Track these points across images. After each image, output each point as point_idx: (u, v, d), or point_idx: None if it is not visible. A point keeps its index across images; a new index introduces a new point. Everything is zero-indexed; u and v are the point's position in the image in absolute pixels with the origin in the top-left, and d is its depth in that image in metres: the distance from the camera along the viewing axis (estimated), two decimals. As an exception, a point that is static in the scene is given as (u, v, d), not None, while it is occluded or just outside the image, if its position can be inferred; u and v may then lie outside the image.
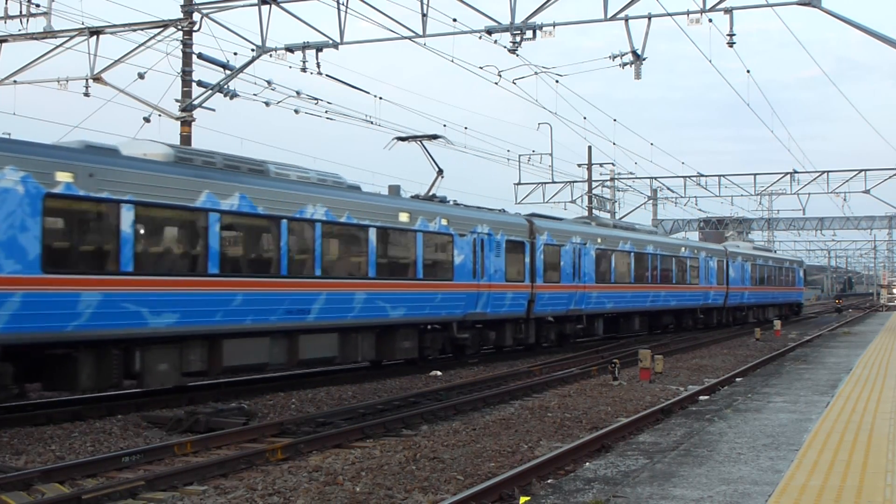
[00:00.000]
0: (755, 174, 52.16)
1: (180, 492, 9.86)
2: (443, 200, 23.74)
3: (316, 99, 25.71)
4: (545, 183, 47.91)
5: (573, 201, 49.12)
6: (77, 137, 15.41)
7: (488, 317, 24.11)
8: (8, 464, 11.06)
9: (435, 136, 24.60)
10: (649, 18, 22.00)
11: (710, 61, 25.51)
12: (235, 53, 23.99)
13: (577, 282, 28.77)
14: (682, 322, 39.97)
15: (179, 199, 15.36)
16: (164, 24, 23.26)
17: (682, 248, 38.97)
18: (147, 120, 23.71)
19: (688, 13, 21.29)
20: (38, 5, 23.21)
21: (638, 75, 23.16)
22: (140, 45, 23.37)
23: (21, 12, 23.38)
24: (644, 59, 22.90)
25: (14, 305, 12.83)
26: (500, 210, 26.90)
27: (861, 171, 48.30)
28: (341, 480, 10.21)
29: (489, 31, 22.36)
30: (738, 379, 20.63)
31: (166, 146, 16.26)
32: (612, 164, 53.05)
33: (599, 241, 30.68)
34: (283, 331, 17.47)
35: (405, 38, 22.79)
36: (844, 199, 53.20)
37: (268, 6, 22.51)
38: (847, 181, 49.09)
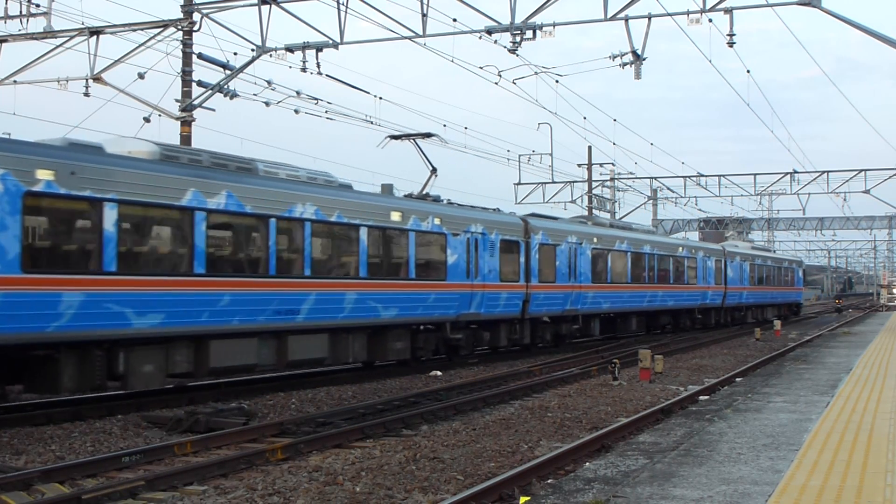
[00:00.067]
0: (755, 174, 52.22)
1: (180, 492, 9.86)
2: (436, 199, 23.55)
3: (316, 99, 25.72)
4: (545, 183, 47.94)
5: (573, 201, 49.15)
6: (78, 138, 15.24)
7: (482, 317, 23.93)
8: (8, 464, 11.06)
9: (428, 135, 24.46)
10: (649, 18, 22.00)
11: (710, 61, 25.53)
12: (235, 53, 24.02)
13: (573, 282, 28.59)
14: (680, 322, 39.79)
15: (165, 198, 15.12)
16: (164, 24, 23.26)
17: (680, 248, 38.80)
18: (147, 120, 23.72)
19: (688, 13, 21.28)
20: (38, 5, 23.21)
21: (638, 75, 23.15)
22: (140, 45, 23.38)
23: (21, 12, 23.38)
24: (644, 59, 22.90)
25: None
26: (494, 209, 26.65)
27: (861, 171, 48.31)
28: (341, 480, 10.21)
29: (489, 31, 22.35)
30: (738, 379, 20.63)
31: (152, 144, 16.01)
32: (612, 164, 53.09)
33: (596, 240, 30.50)
34: (271, 331, 17.22)
35: (405, 38, 22.78)
36: (844, 199, 53.27)
37: (268, 6, 22.51)
38: (847, 181, 49.12)
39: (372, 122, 27.74)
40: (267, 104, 24.83)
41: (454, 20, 22.99)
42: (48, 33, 23.47)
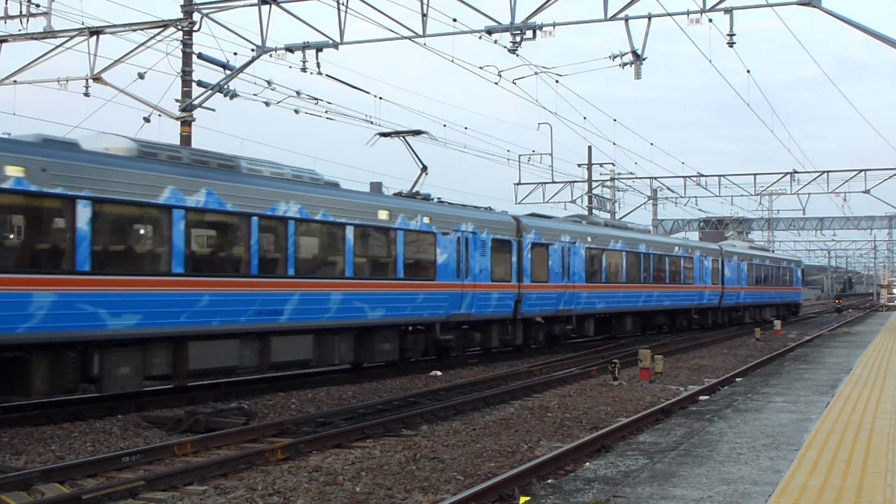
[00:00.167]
0: (755, 174, 52.20)
1: (180, 492, 9.86)
2: (426, 198, 23.23)
3: (316, 99, 25.71)
4: (545, 183, 47.93)
5: (573, 201, 49.16)
6: (53, 134, 14.79)
7: (473, 318, 23.57)
8: (8, 464, 11.07)
9: (418, 132, 24.22)
10: (649, 18, 22.00)
11: (710, 61, 25.51)
12: (235, 53, 24.02)
13: (567, 281, 28.26)
14: (677, 322, 39.50)
15: (141, 195, 14.76)
16: (164, 24, 23.27)
17: (676, 248, 38.51)
18: (147, 120, 23.72)
19: (688, 13, 21.28)
20: (38, 5, 23.22)
21: (638, 75, 23.15)
22: (140, 45, 23.38)
23: (21, 12, 23.39)
24: (644, 59, 22.89)
25: None
26: (486, 208, 26.23)
27: (861, 171, 48.31)
28: (341, 480, 10.21)
29: (489, 31, 22.35)
30: (738, 379, 20.63)
31: (129, 140, 15.63)
32: (612, 164, 53.09)
33: (590, 239, 30.17)
34: (253, 332, 16.89)
35: (405, 38, 22.78)
36: (844, 199, 53.26)
37: (268, 6, 22.52)
38: (847, 181, 49.11)
39: (372, 122, 27.74)
40: (267, 104, 24.83)
41: (454, 20, 23.01)
42: (48, 33, 23.48)
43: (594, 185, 51.25)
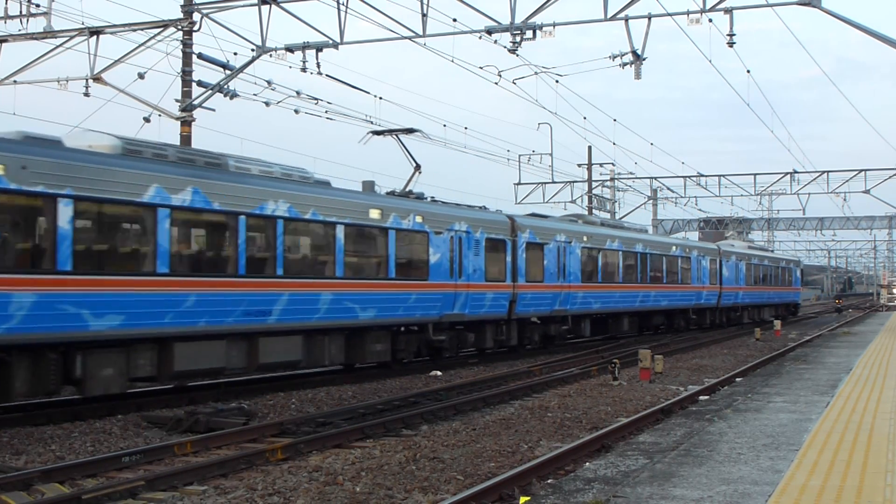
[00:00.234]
0: (755, 174, 52.19)
1: (180, 492, 9.86)
2: (419, 197, 23.01)
3: (316, 99, 25.71)
4: (545, 183, 47.93)
5: (573, 201, 49.15)
6: (35, 131, 14.57)
7: (467, 318, 23.33)
8: (8, 464, 11.06)
9: (411, 130, 24.03)
10: (649, 18, 22.00)
11: (710, 61, 25.51)
12: (235, 53, 24.02)
13: (562, 281, 28.06)
14: (674, 323, 39.32)
15: (125, 194, 14.54)
16: (164, 24, 23.27)
17: (673, 247, 38.31)
18: (147, 120, 23.72)
19: (688, 13, 21.28)
20: (38, 5, 23.23)
21: (638, 75, 23.14)
22: (140, 45, 23.39)
23: (21, 12, 23.39)
24: (644, 59, 22.89)
25: None
26: (480, 207, 26.00)
27: (861, 171, 48.30)
28: (341, 480, 10.22)
29: (489, 31, 22.35)
30: (738, 379, 20.63)
31: (113, 138, 15.35)
32: (612, 164, 53.07)
33: (586, 239, 29.97)
34: (241, 333, 16.67)
35: (405, 38, 22.79)
36: (844, 199, 53.23)
37: (268, 6, 22.52)
38: (847, 181, 49.10)
39: (372, 122, 27.72)
40: (267, 104, 24.83)
41: (454, 20, 23.01)
42: (48, 33, 23.48)
43: (594, 185, 51.27)
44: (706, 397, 16.88)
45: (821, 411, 13.49)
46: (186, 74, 23.64)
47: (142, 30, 23.50)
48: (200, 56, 23.64)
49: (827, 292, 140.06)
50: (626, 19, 21.85)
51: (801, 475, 8.89)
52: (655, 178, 55.93)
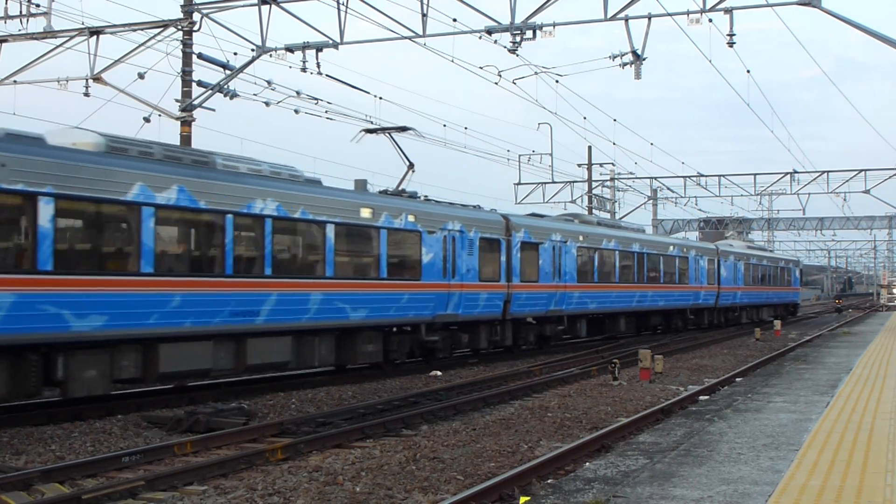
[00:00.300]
0: (755, 174, 52.20)
1: (180, 492, 9.87)
2: (412, 196, 22.81)
3: (316, 99, 25.71)
4: (545, 183, 47.94)
5: (573, 201, 49.15)
6: (17, 128, 14.33)
7: (460, 318, 23.07)
8: (8, 464, 11.07)
9: (404, 128, 23.81)
10: (649, 18, 22.00)
11: (710, 61, 25.51)
12: (235, 53, 24.01)
13: (558, 281, 27.84)
14: (672, 323, 39.16)
15: (108, 192, 14.29)
16: (164, 24, 23.27)
17: (671, 247, 38.11)
18: (147, 120, 23.72)
19: (688, 13, 21.28)
20: (38, 5, 23.23)
21: (638, 75, 23.14)
22: (140, 45, 23.39)
23: (21, 12, 23.39)
24: (644, 59, 22.89)
25: None
26: (474, 206, 25.71)
27: (861, 171, 48.31)
28: (341, 480, 10.22)
29: (489, 31, 22.35)
30: (738, 379, 20.64)
31: (97, 135, 15.06)
32: (612, 164, 53.07)
33: (581, 238, 29.77)
34: (228, 334, 16.44)
35: (405, 38, 22.79)
36: (844, 199, 53.26)
37: (268, 6, 22.53)
38: (847, 181, 49.11)
39: (372, 122, 27.71)
40: (267, 104, 24.83)
41: (454, 20, 23.00)
42: (48, 33, 23.48)
43: (594, 185, 51.28)
44: (706, 397, 16.88)
45: (821, 411, 13.49)
46: (186, 74, 23.65)
47: (142, 30, 23.50)
48: (200, 56, 23.64)
49: (827, 292, 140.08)
50: (626, 19, 21.86)
51: (801, 475, 8.90)
52: (655, 178, 55.96)
